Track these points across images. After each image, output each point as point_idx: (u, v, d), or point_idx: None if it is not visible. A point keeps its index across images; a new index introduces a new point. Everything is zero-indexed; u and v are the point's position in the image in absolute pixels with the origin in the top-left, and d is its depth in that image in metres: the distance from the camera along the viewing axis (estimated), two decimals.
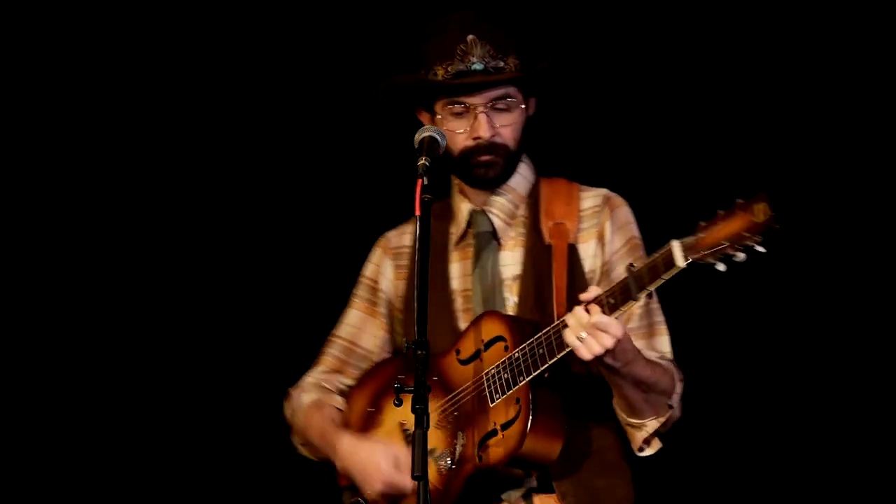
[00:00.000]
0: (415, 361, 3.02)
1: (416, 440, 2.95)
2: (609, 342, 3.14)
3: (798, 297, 4.47)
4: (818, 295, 4.46)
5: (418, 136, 3.25)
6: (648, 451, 3.38)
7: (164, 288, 4.93)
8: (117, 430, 4.88)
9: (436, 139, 3.23)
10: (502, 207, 3.55)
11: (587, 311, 3.15)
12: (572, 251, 3.47)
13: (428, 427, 2.98)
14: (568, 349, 3.19)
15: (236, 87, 4.90)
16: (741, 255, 2.95)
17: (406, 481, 3.32)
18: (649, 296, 3.16)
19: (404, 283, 3.67)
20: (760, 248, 2.93)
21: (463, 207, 3.60)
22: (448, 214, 3.63)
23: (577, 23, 4.57)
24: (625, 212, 3.54)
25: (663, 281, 3.08)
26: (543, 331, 3.25)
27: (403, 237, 3.72)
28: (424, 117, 3.57)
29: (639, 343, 3.35)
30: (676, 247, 3.03)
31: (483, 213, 3.56)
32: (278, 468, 4.87)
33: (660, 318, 3.46)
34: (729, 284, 4.41)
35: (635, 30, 4.58)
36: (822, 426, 4.45)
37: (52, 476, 4.87)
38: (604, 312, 3.14)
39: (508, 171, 3.52)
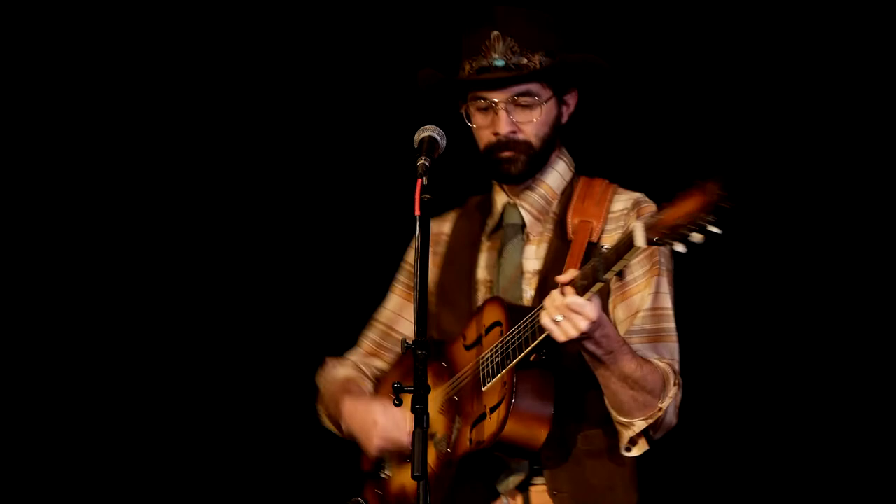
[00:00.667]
0: (414, 361, 3.03)
1: (416, 440, 2.96)
2: (583, 324, 3.11)
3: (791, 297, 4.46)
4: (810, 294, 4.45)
5: (418, 136, 3.26)
6: (635, 452, 3.33)
7: (168, 287, 4.96)
8: (122, 430, 4.92)
9: (435, 139, 3.24)
10: (534, 202, 3.54)
11: (563, 293, 3.13)
12: (591, 249, 3.40)
13: (428, 427, 2.98)
14: (546, 332, 3.17)
15: (247, 86, 4.94)
16: (697, 236, 2.88)
17: (403, 437, 3.37)
18: (619, 276, 3.13)
19: (437, 269, 3.68)
20: (714, 229, 2.85)
21: (498, 200, 3.61)
22: (487, 206, 3.64)
23: (620, 20, 4.52)
24: None
25: (627, 262, 3.04)
26: (529, 314, 3.24)
27: (443, 224, 3.73)
28: (464, 111, 3.57)
29: (641, 346, 3.32)
30: (638, 227, 2.98)
31: (515, 206, 3.57)
32: (285, 464, 4.90)
33: (669, 324, 3.40)
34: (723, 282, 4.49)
35: (679, 29, 4.54)
36: (820, 427, 4.42)
37: (53, 476, 4.91)
38: (577, 294, 3.12)
39: (533, 168, 3.51)
